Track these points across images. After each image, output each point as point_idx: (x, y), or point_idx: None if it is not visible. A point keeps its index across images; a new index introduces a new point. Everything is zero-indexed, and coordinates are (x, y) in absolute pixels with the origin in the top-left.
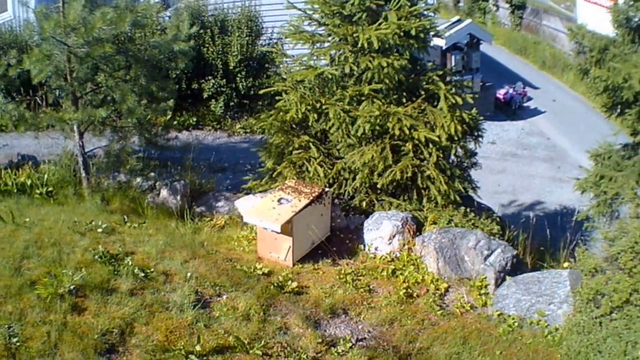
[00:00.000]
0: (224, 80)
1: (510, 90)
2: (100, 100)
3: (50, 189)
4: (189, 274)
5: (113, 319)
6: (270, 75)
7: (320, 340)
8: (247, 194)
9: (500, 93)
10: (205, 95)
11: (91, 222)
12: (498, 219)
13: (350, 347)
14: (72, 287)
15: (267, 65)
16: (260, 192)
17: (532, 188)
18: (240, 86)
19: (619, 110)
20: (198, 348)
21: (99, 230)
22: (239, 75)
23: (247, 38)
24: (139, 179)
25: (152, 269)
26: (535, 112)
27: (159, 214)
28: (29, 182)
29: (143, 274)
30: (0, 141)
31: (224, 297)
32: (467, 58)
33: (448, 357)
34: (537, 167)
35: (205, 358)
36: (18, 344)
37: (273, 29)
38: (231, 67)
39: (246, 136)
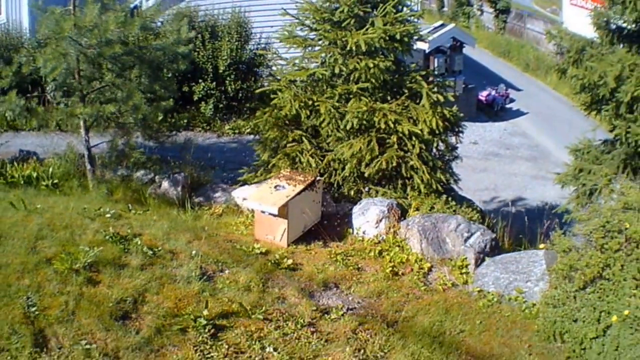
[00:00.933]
0: (214, 83)
1: (493, 92)
2: (107, 97)
3: (55, 181)
4: (193, 252)
5: (126, 289)
6: (258, 78)
7: (314, 308)
8: (242, 185)
9: (483, 95)
10: (195, 97)
11: (99, 209)
12: (478, 209)
13: (342, 315)
14: (86, 263)
15: (255, 69)
16: (255, 183)
17: (513, 185)
18: (229, 89)
19: (597, 108)
20: (205, 313)
21: (107, 215)
22: (228, 78)
23: (236, 43)
24: (140, 172)
25: (159, 248)
26: (518, 114)
27: (161, 203)
28: (34, 174)
29: (151, 252)
30: None
31: (226, 272)
32: (450, 61)
33: (431, 324)
34: (520, 166)
35: (211, 322)
36: (37, 312)
37: (261, 34)
38: (221, 71)
39: (234, 137)
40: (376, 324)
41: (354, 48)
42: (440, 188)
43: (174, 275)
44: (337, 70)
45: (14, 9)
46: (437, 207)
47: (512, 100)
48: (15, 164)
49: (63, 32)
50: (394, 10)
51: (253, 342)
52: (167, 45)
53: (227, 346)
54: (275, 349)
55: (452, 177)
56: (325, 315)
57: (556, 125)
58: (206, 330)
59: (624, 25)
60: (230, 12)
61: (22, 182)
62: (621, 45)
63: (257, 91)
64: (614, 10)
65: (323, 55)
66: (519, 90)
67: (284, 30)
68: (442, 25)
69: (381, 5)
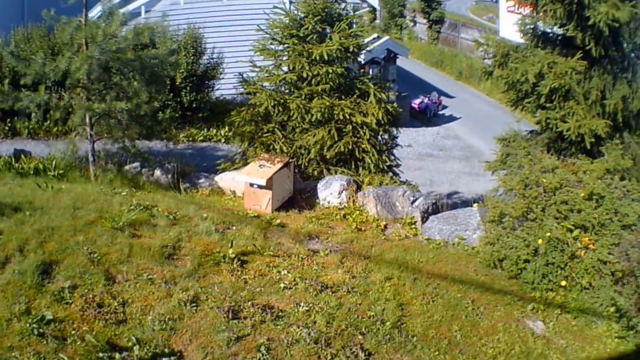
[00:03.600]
0: (171, 94)
1: (425, 100)
2: (114, 95)
3: (61, 171)
4: (204, 216)
5: (164, 239)
6: (210, 90)
7: (306, 249)
8: (222, 172)
9: (416, 103)
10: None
11: (114, 189)
12: (417, 188)
13: (328, 253)
14: (125, 223)
15: (207, 82)
16: (234, 169)
17: (447, 181)
18: (185, 100)
19: (522, 104)
20: (231, 251)
21: (123, 194)
22: (184, 90)
23: (192, 57)
24: (136, 163)
25: (176, 214)
26: (451, 119)
27: (156, 188)
28: (41, 166)
29: (172, 216)
30: None
31: (233, 228)
32: (384, 71)
33: (396, 257)
34: (453, 165)
35: (235, 257)
36: (99, 257)
37: (214, 48)
38: (177, 83)
39: (189, 144)
40: (354, 257)
41: (317, 57)
42: (385, 168)
43: (196, 230)
44: (304, 75)
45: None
46: (386, 182)
47: (444, 107)
48: (23, 157)
49: (96, 37)
50: (347, 27)
51: (270, 269)
52: (162, 54)
53: (252, 271)
54: (287, 272)
55: (394, 160)
56: (315, 254)
57: (488, 127)
58: (234, 262)
59: (548, 30)
60: (186, 28)
61: (31, 172)
62: (545, 48)
63: (242, 93)
64: (537, 18)
65: (290, 64)
66: (451, 97)
67: (259, 43)
68: (377, 38)
69: (337, 23)
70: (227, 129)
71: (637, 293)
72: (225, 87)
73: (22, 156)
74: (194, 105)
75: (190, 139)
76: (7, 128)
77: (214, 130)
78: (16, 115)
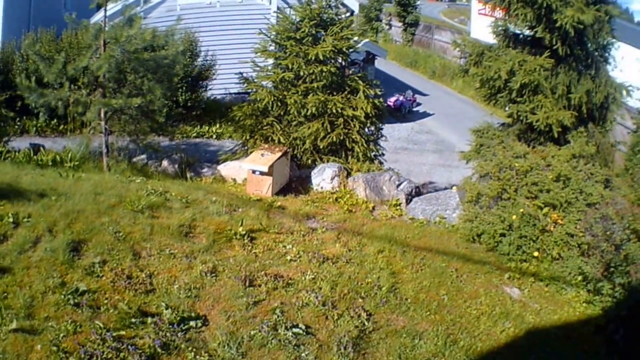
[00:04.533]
0: (169, 94)
1: (400, 98)
2: (127, 92)
3: (76, 163)
4: (213, 199)
5: (180, 220)
6: (204, 90)
7: (306, 227)
8: (224, 162)
9: (391, 101)
10: (152, 107)
11: (128, 177)
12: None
13: (325, 231)
14: (144, 206)
15: (200, 82)
16: (236, 159)
17: (423, 172)
18: (180, 99)
19: (494, 99)
20: (240, 229)
21: (137, 181)
22: (180, 90)
23: (188, 59)
24: (143, 155)
25: (188, 198)
26: (424, 115)
27: (164, 177)
28: (58, 158)
29: (184, 200)
30: None
31: (240, 210)
32: (362, 71)
33: (385, 234)
34: (427, 157)
35: (245, 234)
36: (124, 236)
37: (208, 51)
38: (174, 83)
39: (183, 140)
40: (349, 234)
41: (313, 58)
42: (372, 156)
43: (207, 212)
44: (301, 74)
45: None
46: (373, 169)
47: (419, 104)
48: (42, 150)
49: (120, 37)
50: (339, 30)
51: (277, 244)
52: (174, 54)
53: (261, 246)
54: (292, 246)
55: (380, 150)
56: (314, 231)
57: (460, 123)
58: (245, 238)
59: (518, 32)
60: (182, 33)
61: (49, 163)
62: (515, 48)
63: (245, 89)
64: (510, 21)
65: (289, 63)
66: (425, 95)
67: (261, 45)
68: (356, 40)
69: (330, 27)
70: (218, 126)
71: (602, 262)
72: (216, 88)
73: (41, 149)
74: (189, 104)
75: (185, 135)
76: (16, 126)
77: (206, 127)
78: (26, 114)
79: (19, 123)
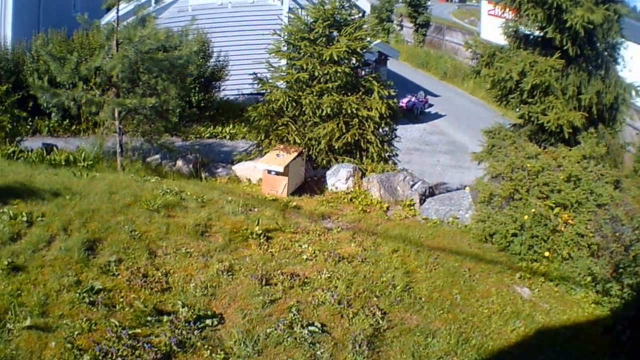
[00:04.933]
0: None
1: (413, 99)
2: (141, 92)
3: (90, 162)
4: (228, 199)
5: (196, 219)
6: (217, 91)
7: (321, 227)
8: (238, 162)
9: (403, 102)
10: (165, 107)
11: (143, 177)
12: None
13: (340, 230)
14: (160, 205)
15: (213, 82)
16: (250, 160)
17: (435, 173)
18: (193, 100)
19: (506, 100)
20: (257, 228)
21: (152, 180)
22: (193, 90)
23: (200, 60)
24: (157, 155)
25: (203, 198)
26: (436, 116)
27: (179, 177)
28: (71, 158)
29: (200, 200)
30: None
31: (255, 209)
32: (375, 72)
33: (399, 234)
34: (439, 158)
35: (261, 233)
36: (139, 234)
37: (220, 52)
38: (187, 83)
39: (197, 140)
40: (363, 234)
41: (327, 58)
42: (386, 157)
43: (223, 211)
44: (316, 74)
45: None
46: (387, 170)
47: (430, 105)
48: (55, 150)
49: (134, 37)
50: (353, 31)
51: (293, 243)
52: (188, 55)
53: (277, 246)
54: (307, 246)
55: (393, 150)
56: (329, 231)
57: (471, 124)
58: (261, 238)
59: (529, 32)
60: (195, 32)
61: (62, 163)
62: (526, 49)
63: (260, 90)
64: (520, 22)
65: (303, 64)
66: (437, 96)
67: (275, 45)
68: (370, 41)
69: (344, 28)
70: (231, 126)
71: (611, 263)
72: (229, 88)
73: (54, 149)
74: (202, 104)
75: (198, 135)
76: (29, 126)
77: (220, 128)
78: (38, 114)
79: (31, 123)
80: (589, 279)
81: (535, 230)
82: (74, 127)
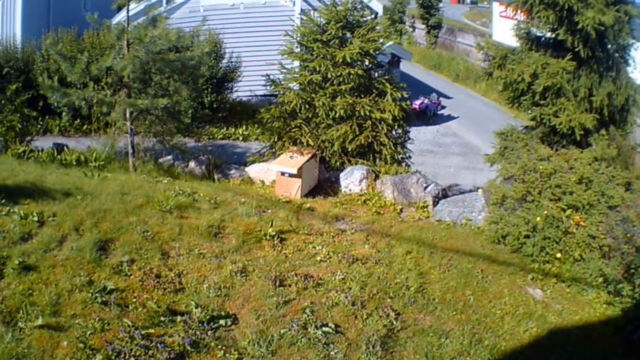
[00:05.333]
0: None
1: (426, 101)
2: (153, 93)
3: (101, 162)
4: (242, 200)
5: (209, 220)
6: (229, 92)
7: (335, 229)
8: (251, 164)
9: (416, 103)
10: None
11: (155, 178)
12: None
13: (354, 232)
14: (172, 206)
15: (225, 84)
16: (264, 162)
17: (448, 175)
18: (205, 101)
19: (518, 102)
20: (270, 230)
21: (165, 181)
22: (205, 91)
23: (212, 61)
24: (169, 156)
25: (216, 199)
26: (449, 118)
27: (191, 178)
28: (82, 158)
29: (213, 201)
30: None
31: (269, 211)
32: (388, 74)
33: (413, 235)
34: (452, 160)
35: (275, 235)
36: (152, 235)
37: (232, 53)
38: (199, 84)
39: (209, 141)
40: (377, 235)
41: (340, 60)
42: (399, 159)
43: (236, 213)
44: (329, 76)
45: (9, 25)
46: (400, 172)
47: (443, 107)
48: (66, 150)
49: (145, 38)
50: (366, 33)
51: (306, 245)
52: (200, 56)
53: (291, 247)
54: (321, 247)
55: (406, 152)
56: (343, 232)
57: (484, 126)
58: (274, 239)
59: (540, 34)
60: (206, 33)
61: (73, 163)
62: (537, 51)
63: (272, 92)
64: (532, 23)
65: (316, 66)
66: (449, 98)
67: (286, 46)
68: (382, 43)
69: (357, 29)
70: (244, 127)
71: (622, 264)
72: (242, 90)
73: (65, 149)
74: (214, 105)
75: (211, 137)
76: (39, 126)
77: (232, 129)
78: (48, 114)
79: (41, 122)
80: (600, 279)
81: (548, 232)
82: (85, 127)
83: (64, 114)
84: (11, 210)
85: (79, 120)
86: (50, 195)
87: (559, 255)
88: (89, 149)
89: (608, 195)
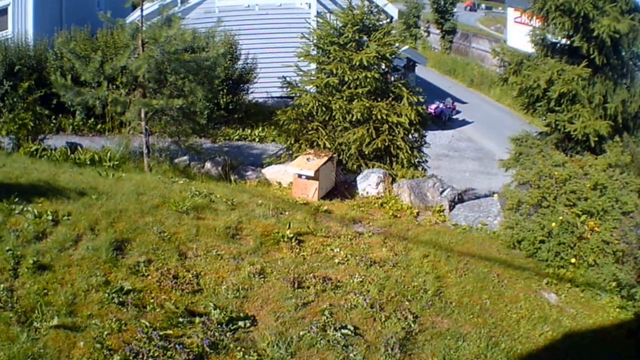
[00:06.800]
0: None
1: (441, 105)
2: (168, 93)
3: (116, 162)
4: (259, 202)
5: (226, 222)
6: (245, 93)
7: (352, 231)
8: (268, 166)
9: (432, 108)
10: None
11: (171, 178)
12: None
13: (371, 235)
14: (189, 207)
15: (241, 85)
16: (280, 163)
17: (464, 179)
18: (221, 102)
19: (533, 108)
20: (288, 232)
21: (180, 182)
22: (221, 92)
23: (228, 62)
24: (185, 157)
25: (233, 200)
26: (464, 123)
27: (207, 179)
28: (97, 157)
29: (230, 202)
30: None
31: (286, 213)
32: (403, 78)
33: (430, 239)
34: (467, 164)
35: (293, 237)
36: (169, 236)
37: (248, 54)
38: (215, 85)
39: (225, 142)
40: (394, 239)
41: (357, 64)
42: (416, 163)
43: (254, 215)
44: (346, 79)
45: (20, 23)
46: (417, 175)
47: (458, 112)
48: (79, 149)
49: (160, 38)
50: (382, 37)
51: (324, 247)
52: (215, 56)
53: (309, 249)
54: (339, 250)
55: (423, 156)
56: (361, 235)
57: (498, 131)
58: (292, 241)
59: (556, 41)
60: (222, 34)
61: (87, 162)
62: (553, 57)
63: (288, 94)
64: (548, 30)
65: (333, 68)
66: (464, 103)
67: (303, 49)
68: (398, 47)
69: (373, 33)
70: (260, 129)
71: (635, 269)
72: (258, 91)
73: (79, 148)
74: (230, 106)
75: (227, 138)
76: (52, 124)
77: (249, 130)
78: (61, 112)
79: (54, 121)
80: (614, 284)
81: (562, 238)
82: (99, 126)
83: (77, 112)
84: (25, 208)
85: (92, 120)
86: (65, 194)
87: (573, 260)
88: (103, 148)
89: (622, 201)
